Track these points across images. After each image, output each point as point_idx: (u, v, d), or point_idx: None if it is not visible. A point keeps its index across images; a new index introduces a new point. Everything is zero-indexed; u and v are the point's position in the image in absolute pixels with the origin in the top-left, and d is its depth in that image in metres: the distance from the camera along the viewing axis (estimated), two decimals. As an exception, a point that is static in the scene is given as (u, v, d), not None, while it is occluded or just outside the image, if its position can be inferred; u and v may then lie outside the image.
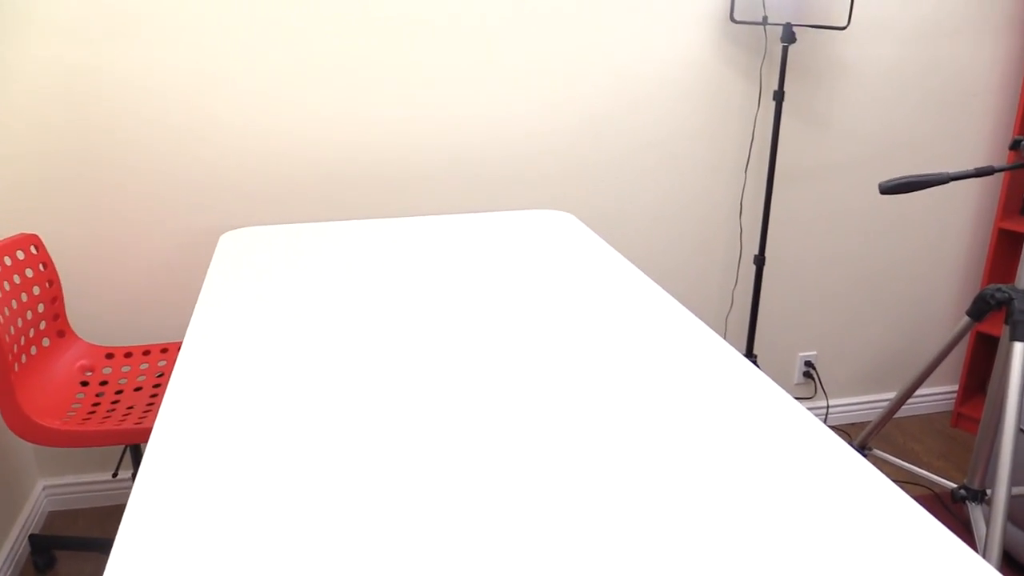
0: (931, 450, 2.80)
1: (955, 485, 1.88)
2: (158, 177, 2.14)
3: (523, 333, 1.35)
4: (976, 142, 2.73)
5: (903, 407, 3.00)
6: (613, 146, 2.38)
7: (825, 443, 1.01)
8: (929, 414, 3.05)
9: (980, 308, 1.72)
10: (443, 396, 1.13)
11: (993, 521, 1.60)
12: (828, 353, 2.84)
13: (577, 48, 2.26)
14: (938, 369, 3.02)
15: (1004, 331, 1.68)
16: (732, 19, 2.32)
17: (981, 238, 2.87)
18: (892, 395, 2.98)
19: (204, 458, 0.97)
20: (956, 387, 3.06)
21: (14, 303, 1.87)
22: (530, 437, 1.02)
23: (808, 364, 2.83)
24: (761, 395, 1.14)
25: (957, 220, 2.81)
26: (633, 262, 2.53)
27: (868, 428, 1.96)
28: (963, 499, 1.83)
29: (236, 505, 0.88)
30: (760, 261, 2.50)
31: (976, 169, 1.63)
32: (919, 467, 2.39)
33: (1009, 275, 2.93)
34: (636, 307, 1.47)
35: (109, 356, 2.11)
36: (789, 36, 2.28)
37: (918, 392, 3.01)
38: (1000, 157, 2.79)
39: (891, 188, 1.67)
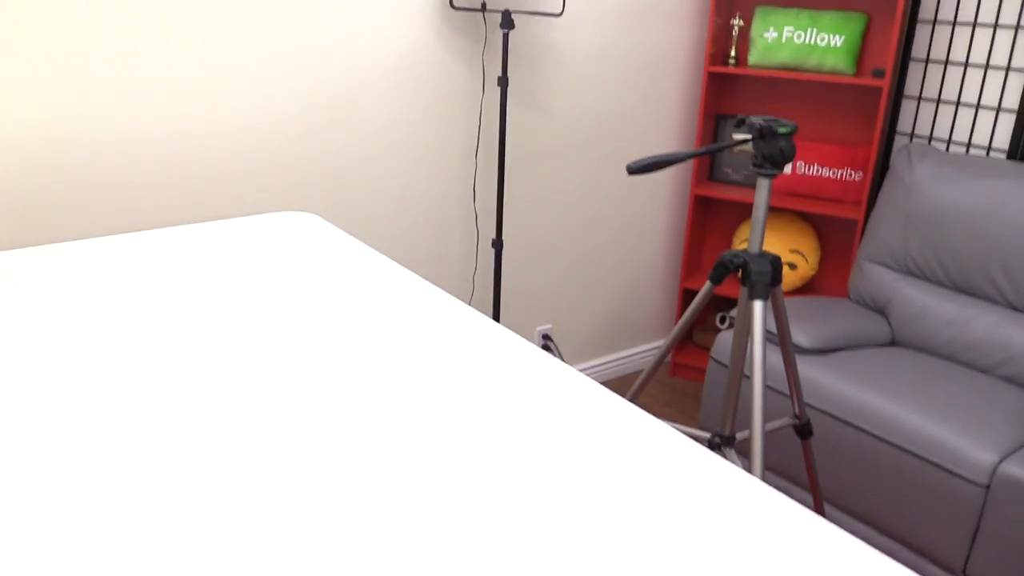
0: (657, 399, 3.06)
1: (707, 434, 2.06)
2: None
3: (284, 343, 1.23)
4: (671, 116, 3.00)
5: (626, 363, 3.24)
6: (338, 137, 2.26)
7: (608, 401, 1.04)
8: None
9: (720, 273, 1.88)
10: (204, 426, 0.98)
11: (753, 459, 1.77)
12: (562, 324, 2.98)
13: (293, 35, 2.10)
14: (652, 324, 3.29)
15: (742, 292, 1.86)
16: (452, 5, 2.30)
17: (680, 205, 3.17)
18: (621, 354, 3.21)
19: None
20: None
21: None
22: (318, 438, 0.92)
23: (546, 337, 2.94)
24: (529, 361, 1.14)
25: (659, 191, 3.07)
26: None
27: (636, 385, 2.08)
28: (719, 445, 2.01)
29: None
30: (499, 245, 2.54)
31: (708, 147, 1.77)
32: (657, 417, 2.60)
33: (704, 235, 3.27)
34: (400, 299, 1.41)
35: None
36: (508, 22, 2.31)
37: (636, 348, 3.27)
38: (689, 129, 3.09)
39: (639, 168, 1.75)
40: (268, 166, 2.15)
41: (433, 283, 2.59)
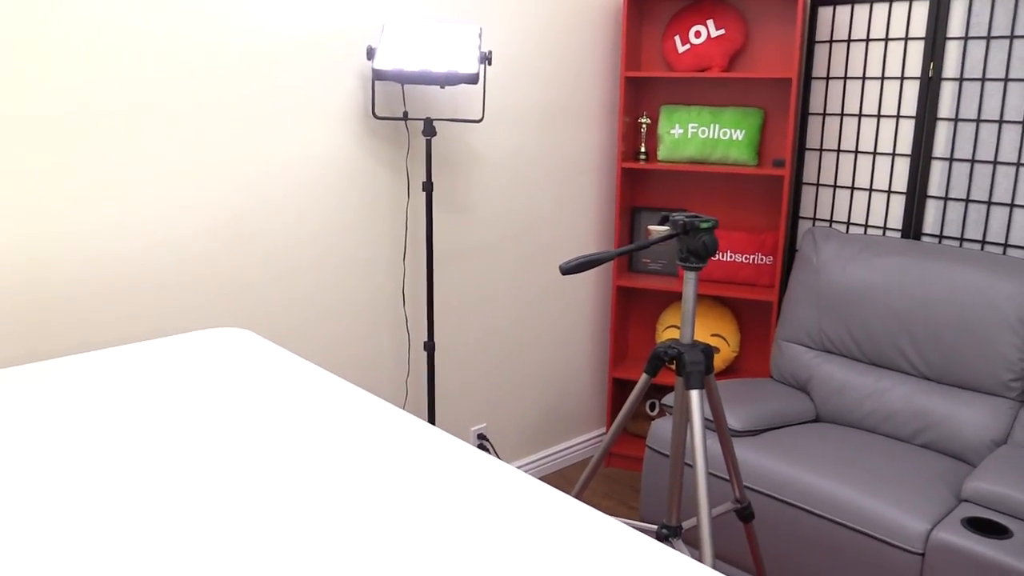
0: (596, 492, 3.06)
1: (653, 525, 2.07)
2: None
3: (227, 464, 1.20)
4: (589, 212, 3.10)
5: (562, 457, 3.25)
6: (266, 248, 2.25)
7: (553, 499, 1.05)
8: (585, 459, 3.34)
9: (655, 365, 1.93)
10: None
11: (703, 547, 1.79)
12: (496, 422, 2.97)
13: (221, 149, 2.11)
14: (585, 416, 3.32)
15: (678, 382, 1.91)
16: (374, 115, 2.36)
17: (603, 297, 3.25)
18: (556, 448, 3.21)
19: None
20: (603, 430, 3.40)
21: None
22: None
23: (481, 436, 2.92)
24: (470, 463, 1.15)
25: (583, 285, 3.15)
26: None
27: (581, 481, 2.09)
28: (667, 537, 2.03)
29: None
30: (430, 347, 2.54)
31: (635, 245, 1.84)
32: (602, 511, 2.60)
33: (628, 324, 3.35)
34: (335, 410, 1.40)
35: None
36: (430, 130, 2.37)
37: (571, 441, 3.28)
38: (608, 223, 3.19)
39: (571, 268, 1.80)
40: (197, 280, 2.12)
41: (367, 389, 2.57)
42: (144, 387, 1.60)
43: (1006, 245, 2.57)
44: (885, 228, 2.82)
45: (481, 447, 2.94)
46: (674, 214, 1.83)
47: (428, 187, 2.42)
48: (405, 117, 2.41)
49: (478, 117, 2.60)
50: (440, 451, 1.33)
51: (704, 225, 1.80)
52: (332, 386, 1.62)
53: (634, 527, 2.54)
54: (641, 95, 3.17)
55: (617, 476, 3.19)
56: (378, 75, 2.25)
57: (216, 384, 1.62)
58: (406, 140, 2.48)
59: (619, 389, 3.28)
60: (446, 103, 2.55)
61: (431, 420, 2.60)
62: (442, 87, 2.34)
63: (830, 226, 2.92)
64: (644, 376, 1.96)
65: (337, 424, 1.43)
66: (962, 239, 2.66)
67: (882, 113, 2.78)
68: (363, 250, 2.45)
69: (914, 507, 2.05)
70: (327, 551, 1.04)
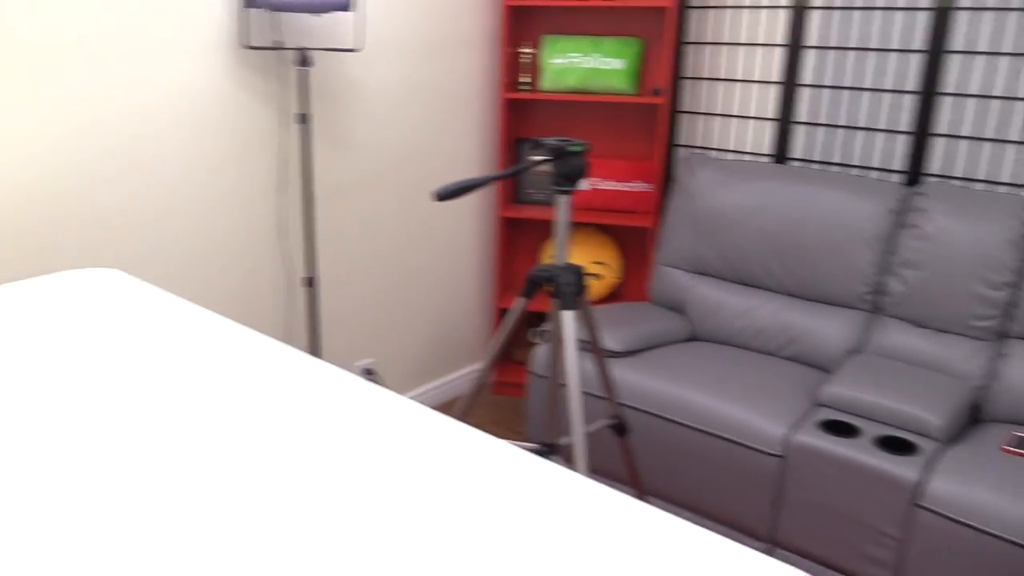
0: (485, 420, 3.14)
1: (535, 445, 2.15)
2: None
3: (102, 408, 1.20)
4: (472, 142, 3.11)
5: (450, 387, 3.31)
6: (136, 184, 2.18)
7: (436, 421, 1.11)
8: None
9: (530, 288, 1.99)
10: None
11: (578, 460, 1.88)
12: (384, 356, 3.00)
13: (84, 84, 2.02)
14: (472, 346, 3.38)
15: (553, 304, 1.97)
16: (245, 45, 2.29)
17: (488, 227, 3.29)
18: (445, 379, 3.27)
19: None
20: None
21: None
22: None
23: (368, 372, 2.95)
24: (354, 392, 1.19)
25: (468, 216, 3.17)
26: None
27: (461, 406, 2.14)
28: (546, 453, 2.11)
29: None
30: (312, 282, 2.53)
31: (509, 170, 1.87)
32: (495, 437, 2.67)
33: (514, 254, 3.40)
34: (215, 346, 1.41)
35: None
36: (306, 60, 2.32)
37: (459, 372, 3.34)
38: (491, 154, 3.21)
39: (447, 194, 1.82)
40: (63, 221, 2.04)
41: (249, 327, 2.55)
42: (12, 329, 1.55)
43: (867, 167, 2.71)
44: (757, 154, 2.94)
45: (370, 383, 2.96)
46: (546, 139, 1.86)
47: (305, 119, 2.38)
48: (279, 47, 2.35)
49: (356, 46, 2.55)
50: (327, 382, 1.34)
51: (575, 149, 1.84)
52: (211, 323, 1.60)
53: (516, 447, 2.63)
54: (523, 25, 3.17)
55: (504, 403, 3.28)
56: (249, 2, 2.18)
57: (89, 326, 1.58)
58: (282, 71, 2.42)
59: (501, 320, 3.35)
60: (325, 32, 2.50)
61: (315, 355, 2.61)
62: (317, 15, 2.29)
63: (706, 153, 3.02)
64: (520, 299, 2.01)
65: (219, 360, 1.43)
66: (827, 163, 2.79)
67: (754, 42, 2.86)
68: (237, 185, 2.40)
69: (775, 414, 2.20)
70: (215, 487, 1.05)
